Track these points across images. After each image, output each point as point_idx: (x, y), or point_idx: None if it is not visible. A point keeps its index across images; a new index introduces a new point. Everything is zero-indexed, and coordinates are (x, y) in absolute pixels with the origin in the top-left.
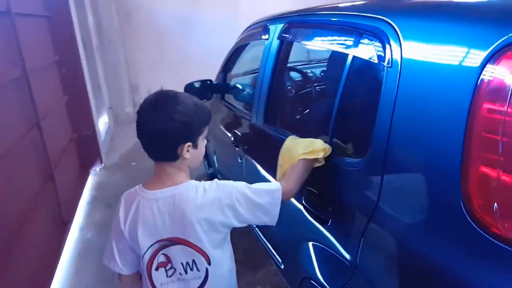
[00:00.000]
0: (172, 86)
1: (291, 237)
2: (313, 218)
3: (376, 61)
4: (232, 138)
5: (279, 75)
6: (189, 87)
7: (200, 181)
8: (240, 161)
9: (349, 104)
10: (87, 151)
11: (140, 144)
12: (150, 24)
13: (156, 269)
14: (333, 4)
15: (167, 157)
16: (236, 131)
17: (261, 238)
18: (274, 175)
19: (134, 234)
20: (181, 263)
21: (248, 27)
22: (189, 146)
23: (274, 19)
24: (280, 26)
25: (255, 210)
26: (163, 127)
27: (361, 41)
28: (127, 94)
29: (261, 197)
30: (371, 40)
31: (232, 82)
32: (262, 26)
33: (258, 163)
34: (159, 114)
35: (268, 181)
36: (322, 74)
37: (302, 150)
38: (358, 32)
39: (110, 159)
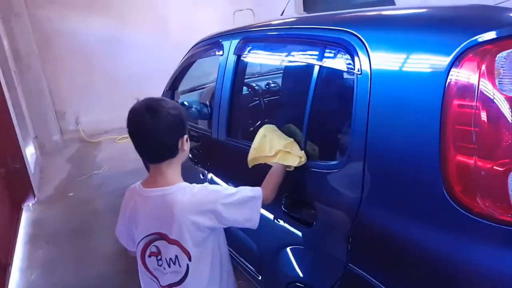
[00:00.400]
0: (103, 109)
1: (268, 246)
2: (295, 222)
3: (345, 69)
4: (191, 156)
5: (238, 88)
6: None
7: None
8: (202, 177)
9: (320, 110)
10: (17, 185)
11: (73, 173)
12: (73, 47)
13: (149, 256)
14: (288, 18)
15: (170, 153)
16: (193, 148)
17: (231, 252)
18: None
19: (131, 224)
20: (165, 258)
21: (196, 44)
22: (186, 138)
23: (227, 35)
24: (235, 42)
25: (238, 215)
26: (166, 124)
27: (328, 52)
28: (53, 122)
29: (244, 204)
30: (338, 51)
31: (181, 100)
32: (214, 43)
33: (223, 177)
34: (158, 114)
35: None
36: (284, 85)
37: (282, 146)
38: (324, 44)
39: (43, 192)
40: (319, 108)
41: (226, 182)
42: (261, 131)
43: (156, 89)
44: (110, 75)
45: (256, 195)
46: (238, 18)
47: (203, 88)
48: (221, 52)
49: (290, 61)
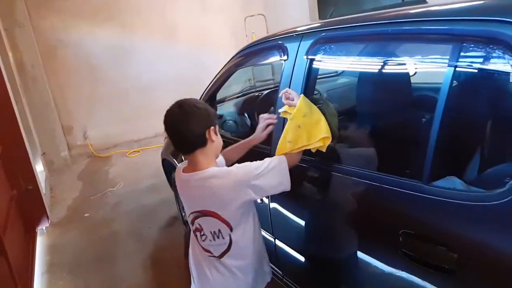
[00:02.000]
0: (111, 122)
1: None
2: (423, 269)
3: (498, 71)
4: None
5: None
6: None
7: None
8: (260, 202)
9: (462, 123)
10: (29, 208)
11: (86, 191)
12: (79, 58)
13: (194, 231)
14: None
15: (199, 142)
16: None
17: None
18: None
19: (182, 203)
20: (210, 231)
21: (244, 49)
22: (213, 129)
23: (293, 37)
24: (306, 44)
25: (271, 181)
26: (192, 115)
27: (471, 50)
28: (61, 137)
29: (272, 170)
30: (487, 47)
31: (227, 112)
32: (273, 46)
33: (291, 204)
34: (185, 107)
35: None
36: (385, 94)
37: (325, 133)
38: (462, 40)
39: (56, 213)
40: (459, 121)
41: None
42: (293, 123)
43: (167, 100)
44: (117, 86)
45: (280, 160)
46: (250, 23)
47: (237, 97)
48: (285, 57)
49: (398, 64)
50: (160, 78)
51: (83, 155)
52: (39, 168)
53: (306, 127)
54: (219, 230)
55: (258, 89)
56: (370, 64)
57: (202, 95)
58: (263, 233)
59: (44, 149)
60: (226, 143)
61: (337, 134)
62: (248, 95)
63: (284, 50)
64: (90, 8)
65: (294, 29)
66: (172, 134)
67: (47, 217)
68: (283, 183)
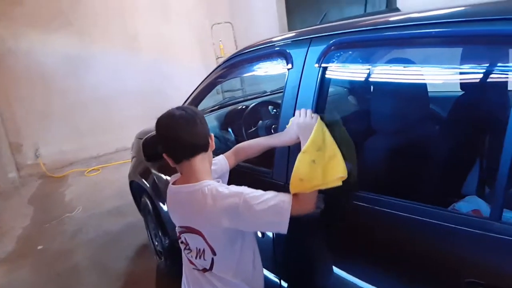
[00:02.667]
0: (67, 138)
1: None
2: None
3: None
4: None
5: (328, 106)
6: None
7: (215, 182)
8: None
9: None
10: None
11: (39, 218)
12: (31, 68)
13: (181, 243)
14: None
15: (203, 146)
16: None
17: None
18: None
19: (171, 215)
20: (196, 247)
21: (234, 56)
22: (211, 137)
23: (298, 41)
24: (317, 50)
25: (261, 218)
26: (200, 119)
27: None
28: (8, 156)
29: (270, 208)
30: None
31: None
32: (273, 53)
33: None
34: (190, 112)
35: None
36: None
37: (342, 173)
38: None
39: (3, 247)
40: None
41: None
42: (306, 157)
43: (128, 112)
44: (74, 98)
45: (285, 201)
46: (216, 31)
47: (212, 110)
48: (289, 65)
49: (447, 74)
50: (121, 89)
51: (34, 176)
52: None
53: (320, 163)
54: (204, 250)
55: (239, 100)
56: (408, 74)
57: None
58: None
59: None
60: None
61: (355, 171)
62: (232, 108)
63: (287, 58)
64: (43, 14)
65: (299, 33)
66: (173, 138)
67: None
68: (275, 226)
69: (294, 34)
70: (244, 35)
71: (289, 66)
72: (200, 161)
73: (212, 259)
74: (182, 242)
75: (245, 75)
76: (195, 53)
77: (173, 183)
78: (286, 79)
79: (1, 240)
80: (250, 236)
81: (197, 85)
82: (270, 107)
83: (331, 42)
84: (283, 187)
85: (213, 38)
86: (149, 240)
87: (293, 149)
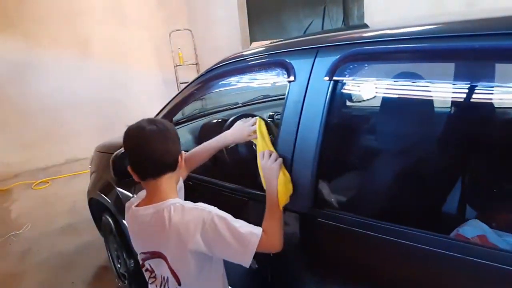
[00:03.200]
0: (11, 149)
1: None
2: None
3: None
4: None
5: (336, 131)
6: (120, 159)
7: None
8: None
9: None
10: None
11: None
12: None
13: (145, 271)
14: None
15: (172, 166)
16: None
17: None
18: None
19: (132, 240)
20: (160, 275)
21: (218, 66)
22: (182, 155)
23: (302, 51)
24: (326, 61)
25: (228, 245)
26: (171, 136)
27: None
28: None
29: (238, 236)
30: None
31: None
32: (271, 63)
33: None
34: (161, 127)
35: None
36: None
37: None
38: None
39: None
40: None
41: None
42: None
43: (79, 122)
44: (18, 106)
45: (256, 232)
46: (175, 39)
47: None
48: (291, 78)
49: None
50: (71, 98)
51: None
52: None
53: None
54: (167, 279)
55: (210, 112)
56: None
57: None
58: None
59: None
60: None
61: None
62: (207, 121)
63: (288, 69)
64: None
65: (302, 41)
66: (140, 153)
67: None
68: (238, 257)
69: (295, 41)
70: (204, 44)
71: (291, 78)
72: (167, 180)
73: None
74: (147, 270)
75: (232, 87)
76: (152, 61)
77: (136, 206)
78: (287, 93)
79: None
80: (218, 261)
81: (174, 96)
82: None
83: (345, 52)
84: None
85: (172, 46)
86: (110, 262)
87: None
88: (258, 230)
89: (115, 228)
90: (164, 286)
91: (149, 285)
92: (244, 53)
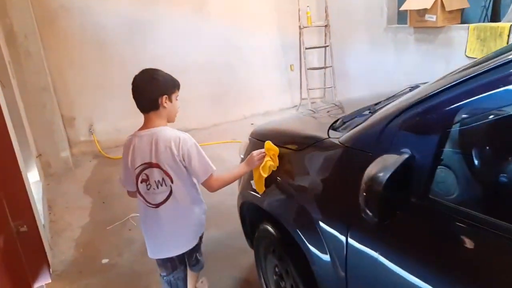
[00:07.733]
0: (124, 114)
1: None
2: None
3: None
4: None
5: None
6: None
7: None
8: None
9: None
10: (22, 256)
11: (98, 216)
12: (86, 30)
13: (141, 182)
14: None
15: (153, 106)
16: None
17: None
18: None
19: (132, 165)
20: (155, 180)
21: None
22: (166, 98)
23: None
24: None
25: (197, 167)
26: (148, 82)
27: None
28: (60, 132)
29: (205, 165)
30: None
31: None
32: None
33: None
34: (145, 75)
35: None
36: None
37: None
38: None
39: (60, 255)
40: None
41: None
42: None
43: (192, 87)
44: (132, 68)
45: (214, 168)
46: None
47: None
48: None
49: None
50: (186, 60)
51: (88, 155)
52: (33, 176)
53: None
54: (163, 179)
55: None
56: None
57: (393, 115)
58: None
59: (40, 147)
60: None
61: None
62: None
63: None
64: None
65: None
66: (134, 96)
67: (49, 269)
68: (197, 175)
69: None
70: (337, 3)
71: None
72: (155, 116)
73: (171, 187)
74: (142, 180)
75: None
76: (273, 22)
77: (138, 130)
78: None
79: (58, 242)
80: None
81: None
82: None
83: None
84: None
85: (299, 4)
86: (260, 279)
87: None
88: (214, 169)
89: (283, 248)
90: (162, 184)
91: (144, 195)
92: None
